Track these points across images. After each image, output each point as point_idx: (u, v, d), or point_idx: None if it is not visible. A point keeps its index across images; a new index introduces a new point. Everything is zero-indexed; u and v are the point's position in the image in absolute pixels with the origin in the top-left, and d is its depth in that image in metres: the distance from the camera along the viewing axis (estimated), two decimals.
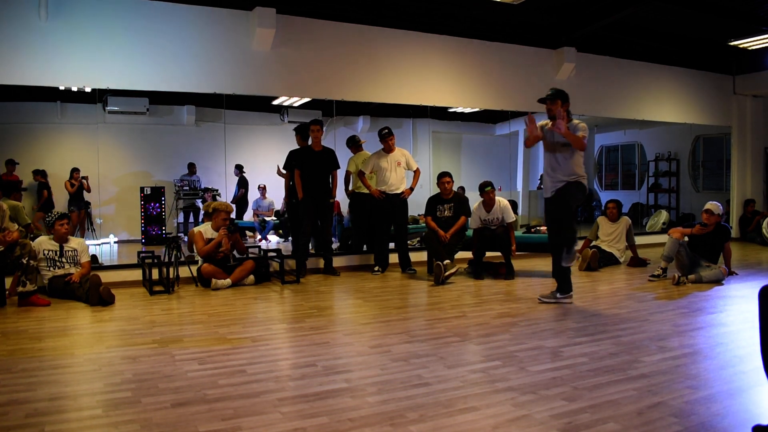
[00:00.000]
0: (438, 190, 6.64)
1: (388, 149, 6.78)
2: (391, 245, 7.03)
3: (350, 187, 7.35)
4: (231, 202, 9.85)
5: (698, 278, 5.84)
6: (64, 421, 2.47)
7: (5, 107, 8.38)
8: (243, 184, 10.10)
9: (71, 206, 8.50)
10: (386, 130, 6.80)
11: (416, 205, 8.04)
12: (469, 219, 6.53)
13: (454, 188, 6.81)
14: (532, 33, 8.55)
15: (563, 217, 4.83)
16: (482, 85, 8.39)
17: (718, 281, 5.86)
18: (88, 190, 8.26)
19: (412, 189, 6.92)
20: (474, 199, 6.71)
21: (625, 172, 13.43)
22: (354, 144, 7.43)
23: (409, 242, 8.08)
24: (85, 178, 8.27)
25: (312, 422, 2.42)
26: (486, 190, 6.32)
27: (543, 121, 4.93)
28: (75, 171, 8.47)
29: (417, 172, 6.99)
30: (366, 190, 6.91)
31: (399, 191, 6.78)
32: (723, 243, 6.07)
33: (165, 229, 9.13)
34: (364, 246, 7.41)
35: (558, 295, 4.92)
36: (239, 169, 10.01)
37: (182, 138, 10.13)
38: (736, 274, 6.33)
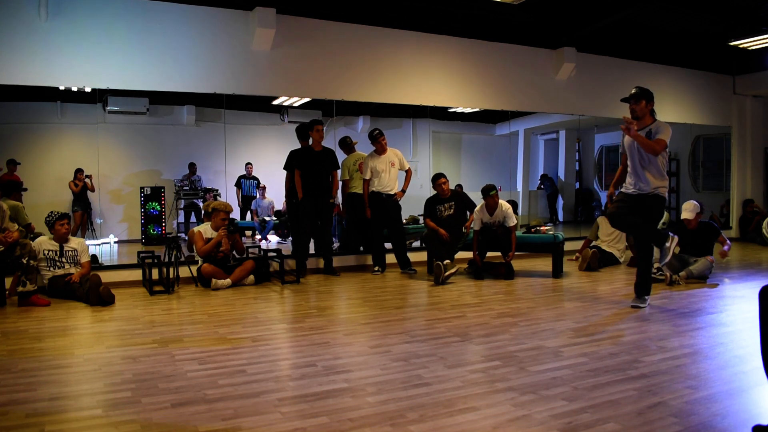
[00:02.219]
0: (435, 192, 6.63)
1: (381, 150, 6.74)
2: (390, 245, 7.02)
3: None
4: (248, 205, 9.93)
5: (689, 273, 5.92)
6: (64, 421, 2.47)
7: (5, 107, 8.37)
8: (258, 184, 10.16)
9: (75, 206, 8.50)
10: (377, 131, 6.74)
11: (417, 204, 8.04)
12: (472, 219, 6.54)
13: (451, 186, 6.80)
14: (532, 33, 8.56)
15: (641, 224, 4.67)
16: (482, 85, 8.39)
17: (707, 271, 5.95)
18: (93, 190, 8.26)
19: (404, 191, 6.89)
20: (474, 199, 6.71)
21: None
22: (346, 145, 7.38)
23: (410, 242, 8.08)
24: (89, 177, 8.26)
25: (312, 422, 2.42)
26: (490, 194, 6.30)
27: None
28: (79, 171, 8.46)
29: (409, 173, 6.96)
30: (361, 191, 6.86)
31: (393, 192, 6.76)
32: (715, 238, 6.11)
33: (165, 229, 9.13)
34: (361, 247, 7.38)
35: (646, 297, 4.76)
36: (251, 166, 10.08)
37: (182, 138, 10.13)
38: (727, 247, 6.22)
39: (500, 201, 6.37)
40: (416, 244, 7.97)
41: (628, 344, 3.61)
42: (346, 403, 2.64)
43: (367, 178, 6.72)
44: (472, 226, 6.47)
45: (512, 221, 6.33)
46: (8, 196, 6.29)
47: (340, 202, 7.42)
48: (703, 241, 6.10)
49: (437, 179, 6.55)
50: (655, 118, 4.61)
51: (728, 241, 6.17)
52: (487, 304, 4.97)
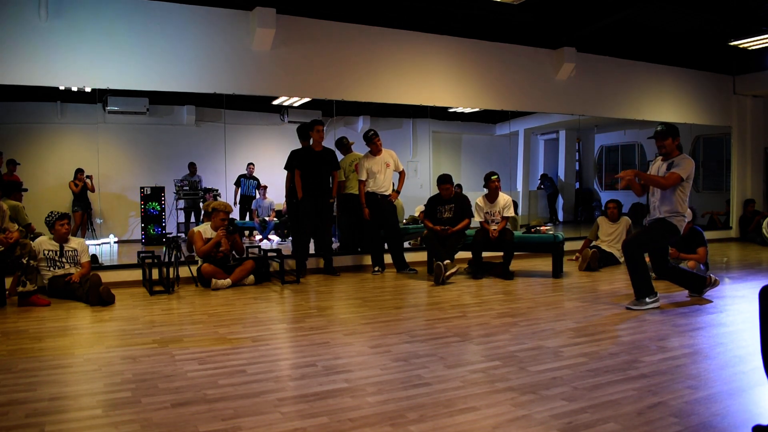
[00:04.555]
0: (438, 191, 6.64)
1: (376, 151, 6.74)
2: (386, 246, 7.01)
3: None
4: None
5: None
6: (64, 421, 2.47)
7: (5, 107, 8.38)
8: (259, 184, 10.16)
9: (75, 206, 8.50)
10: (372, 132, 6.74)
11: (417, 205, 8.04)
12: (474, 214, 6.57)
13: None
14: (532, 33, 8.55)
15: (637, 246, 4.78)
16: (482, 85, 8.39)
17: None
18: (93, 190, 8.26)
19: (398, 192, 6.87)
20: (473, 199, 6.72)
21: None
22: (343, 146, 7.36)
23: (412, 242, 8.07)
24: (90, 177, 8.26)
25: (312, 422, 2.42)
26: (492, 178, 6.38)
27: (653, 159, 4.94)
28: (79, 171, 8.47)
29: (402, 174, 6.95)
30: (357, 191, 6.85)
31: (388, 192, 6.76)
32: (697, 247, 6.07)
33: (165, 228, 9.13)
34: (359, 248, 7.37)
35: (647, 300, 4.70)
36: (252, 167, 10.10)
37: (182, 138, 10.14)
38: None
39: (501, 193, 6.43)
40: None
41: (628, 344, 3.61)
42: (346, 403, 2.64)
43: (363, 179, 6.72)
44: (474, 218, 6.50)
45: (510, 212, 6.43)
46: (8, 196, 6.29)
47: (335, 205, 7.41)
48: (688, 244, 6.12)
49: (442, 183, 6.48)
50: (680, 152, 4.72)
51: (702, 263, 6.11)
52: (487, 304, 4.97)
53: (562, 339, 3.78)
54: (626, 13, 7.81)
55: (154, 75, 6.43)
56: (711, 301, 4.98)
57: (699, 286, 5.08)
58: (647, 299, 4.69)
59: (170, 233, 9.11)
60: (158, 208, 9.03)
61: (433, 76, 7.98)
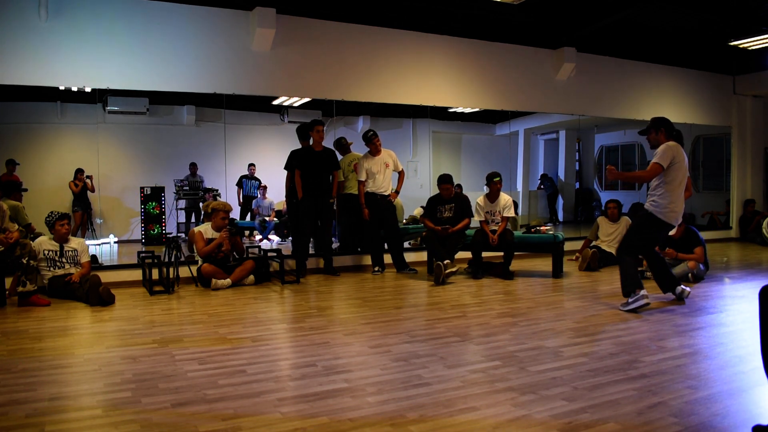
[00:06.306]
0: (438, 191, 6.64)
1: (375, 151, 6.74)
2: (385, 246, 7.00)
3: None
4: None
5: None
6: (64, 421, 2.47)
7: (5, 107, 8.37)
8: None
9: (75, 206, 8.50)
10: (371, 132, 6.74)
11: (417, 205, 8.03)
12: (474, 213, 6.58)
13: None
14: (532, 33, 8.55)
15: (624, 248, 4.76)
16: (482, 85, 8.39)
17: (685, 275, 5.89)
18: (92, 190, 8.26)
19: (397, 192, 6.87)
20: (473, 199, 6.73)
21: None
22: (341, 146, 7.35)
23: (412, 242, 8.07)
24: (90, 177, 8.26)
25: (312, 422, 2.42)
26: (494, 180, 6.43)
27: None
28: (79, 172, 8.47)
29: (402, 174, 6.95)
30: (356, 191, 6.85)
31: (387, 193, 6.76)
32: (694, 247, 6.06)
33: (165, 229, 9.13)
34: (359, 248, 7.37)
35: (629, 300, 4.56)
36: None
37: (182, 138, 10.14)
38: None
39: (502, 193, 6.49)
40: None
41: (628, 344, 3.61)
42: (346, 403, 2.64)
43: (363, 179, 6.71)
44: (475, 218, 6.52)
45: (510, 213, 6.44)
46: (8, 196, 6.30)
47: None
48: (685, 244, 6.12)
49: (444, 182, 6.49)
50: (667, 140, 4.65)
51: (701, 262, 6.07)
52: (487, 304, 4.97)
53: (562, 339, 3.78)
54: (626, 13, 7.81)
55: (154, 75, 6.43)
56: (681, 303, 4.90)
57: (670, 286, 4.94)
58: (629, 299, 4.55)
59: (170, 233, 9.12)
60: (155, 212, 9.02)
61: (433, 76, 7.98)
